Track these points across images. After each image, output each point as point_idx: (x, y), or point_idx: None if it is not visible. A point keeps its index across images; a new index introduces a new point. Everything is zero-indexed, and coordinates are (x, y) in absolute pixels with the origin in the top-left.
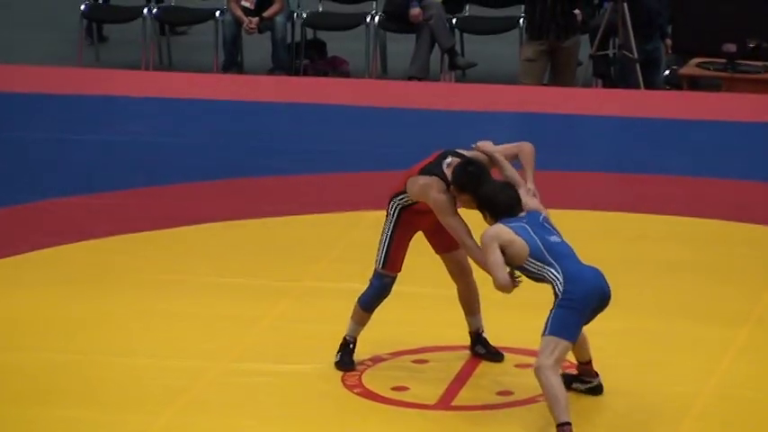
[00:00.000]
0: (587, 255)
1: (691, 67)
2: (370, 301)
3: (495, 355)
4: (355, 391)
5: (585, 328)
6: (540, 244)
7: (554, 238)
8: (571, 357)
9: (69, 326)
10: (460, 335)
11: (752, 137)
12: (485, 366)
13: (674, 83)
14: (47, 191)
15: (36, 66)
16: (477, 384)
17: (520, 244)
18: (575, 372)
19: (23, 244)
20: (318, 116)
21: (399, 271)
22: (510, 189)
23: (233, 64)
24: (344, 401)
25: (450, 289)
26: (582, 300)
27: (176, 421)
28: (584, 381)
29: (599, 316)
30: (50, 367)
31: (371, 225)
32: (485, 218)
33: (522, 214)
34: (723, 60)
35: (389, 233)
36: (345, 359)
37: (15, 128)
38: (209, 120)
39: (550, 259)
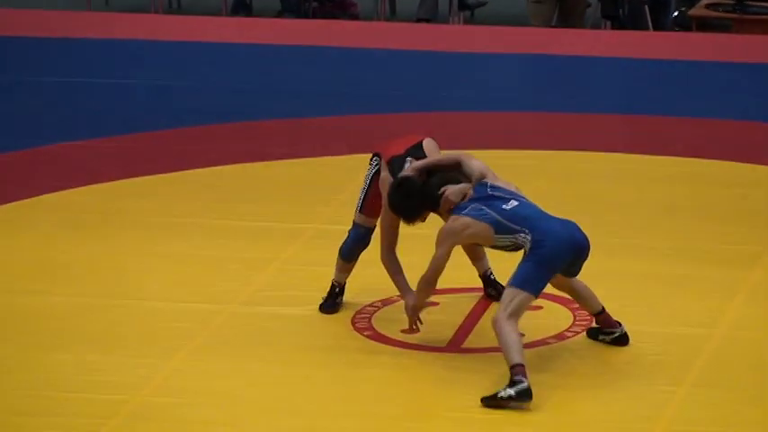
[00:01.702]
0: (598, 197)
1: (700, 9)
2: (349, 251)
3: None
4: (365, 333)
5: (601, 278)
6: (499, 218)
7: (511, 204)
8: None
9: (79, 269)
10: (471, 277)
11: (761, 78)
12: (495, 308)
13: (683, 24)
14: (55, 135)
15: (45, 10)
16: (488, 326)
17: (482, 228)
18: (594, 325)
19: (32, 188)
20: (327, 59)
21: (377, 218)
22: (440, 180)
23: (242, 7)
24: (354, 344)
25: None
26: (551, 255)
27: (187, 364)
28: (606, 332)
29: (610, 259)
30: (60, 311)
31: None
32: (442, 217)
33: (470, 192)
34: (732, 1)
35: (367, 189)
36: (328, 302)
37: (24, 72)
38: (218, 63)
39: (516, 227)
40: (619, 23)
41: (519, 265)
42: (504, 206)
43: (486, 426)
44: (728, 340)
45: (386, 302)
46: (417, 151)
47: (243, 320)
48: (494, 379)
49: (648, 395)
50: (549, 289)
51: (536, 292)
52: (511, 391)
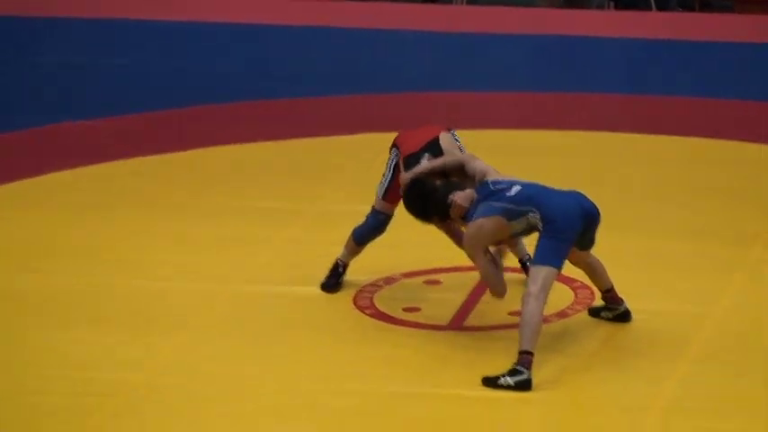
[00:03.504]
0: (599, 175)
1: None
2: (363, 236)
3: None
4: (367, 311)
5: (603, 255)
6: (506, 206)
7: (514, 189)
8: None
9: (79, 249)
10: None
11: (762, 58)
12: None
13: (687, 4)
14: (60, 114)
15: None
16: (489, 305)
17: (494, 221)
18: (596, 304)
19: (38, 167)
20: (329, 39)
21: (396, 206)
22: (446, 188)
23: None
24: (356, 322)
25: None
26: (563, 227)
27: (189, 343)
28: (610, 308)
29: (610, 237)
30: (63, 291)
31: (383, 148)
32: (457, 223)
33: (478, 196)
34: None
35: (391, 178)
36: (330, 281)
37: (30, 52)
38: (218, 43)
39: (524, 208)
40: (622, 4)
41: (538, 242)
42: (508, 194)
43: (486, 403)
44: (728, 318)
45: (388, 281)
46: (434, 148)
47: (244, 299)
48: (494, 357)
49: (648, 371)
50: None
51: (559, 264)
52: (510, 381)
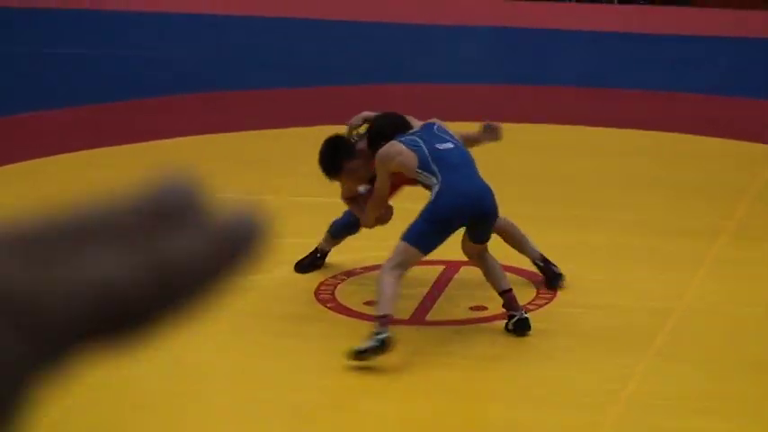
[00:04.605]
0: (561, 170)
1: None
2: (339, 231)
3: (552, 278)
4: (328, 305)
5: (565, 251)
6: (427, 153)
7: (446, 145)
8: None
9: None
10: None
11: (721, 51)
12: (458, 281)
13: None
14: (22, 104)
15: None
16: (451, 299)
17: (410, 157)
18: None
19: None
20: (293, 31)
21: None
22: (392, 115)
23: None
24: (317, 316)
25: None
26: (445, 215)
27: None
28: (509, 316)
29: (573, 232)
30: None
31: None
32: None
33: (417, 129)
34: None
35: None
36: (304, 262)
37: None
38: (184, 33)
39: (435, 169)
40: None
41: (415, 219)
42: (437, 145)
43: (447, 398)
44: (691, 313)
45: (350, 274)
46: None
47: None
48: (455, 350)
49: (611, 368)
50: (512, 261)
51: (425, 248)
52: (372, 343)
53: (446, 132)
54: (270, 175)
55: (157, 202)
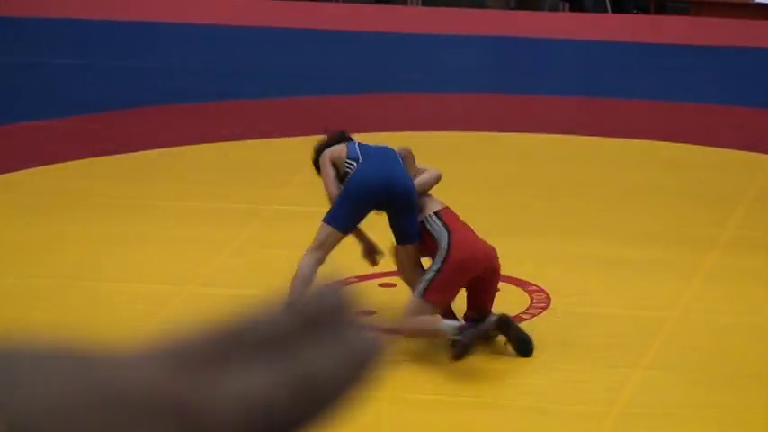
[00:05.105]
0: (555, 179)
1: None
2: None
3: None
4: None
5: (560, 260)
6: (357, 147)
7: (377, 146)
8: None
9: (32, 250)
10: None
11: (718, 61)
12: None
13: (642, 6)
14: (14, 114)
15: None
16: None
17: (340, 148)
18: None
19: None
20: (283, 40)
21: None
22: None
23: None
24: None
25: None
26: (355, 195)
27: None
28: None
29: (567, 242)
30: (14, 292)
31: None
32: None
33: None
34: None
35: None
36: None
37: None
38: (173, 44)
39: (360, 158)
40: (578, 5)
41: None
42: (370, 145)
43: (442, 408)
44: (685, 323)
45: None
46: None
47: (201, 301)
48: (447, 358)
49: (605, 377)
50: (505, 270)
51: (341, 227)
52: None
53: (393, 152)
54: (264, 184)
55: (309, 315)
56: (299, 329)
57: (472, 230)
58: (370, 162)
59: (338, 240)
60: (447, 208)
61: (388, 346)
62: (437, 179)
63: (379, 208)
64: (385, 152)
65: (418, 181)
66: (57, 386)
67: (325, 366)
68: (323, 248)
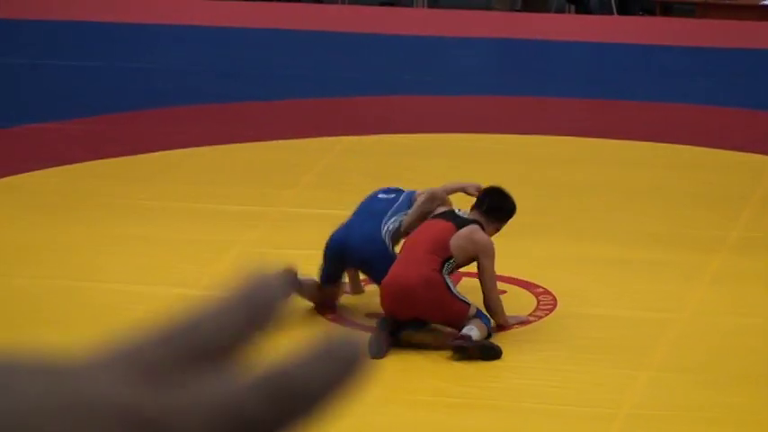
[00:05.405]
0: (561, 181)
1: None
2: None
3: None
4: (328, 316)
5: (566, 262)
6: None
7: (372, 197)
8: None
9: (40, 251)
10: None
11: (723, 63)
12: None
13: (648, 8)
14: (21, 116)
15: None
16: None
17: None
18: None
19: None
20: (291, 42)
21: None
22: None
23: None
24: (317, 327)
25: None
26: (325, 251)
27: None
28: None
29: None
30: (21, 293)
31: (345, 150)
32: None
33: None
34: None
35: None
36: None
37: None
38: (183, 45)
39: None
40: (583, 7)
41: None
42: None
43: (449, 410)
44: (691, 324)
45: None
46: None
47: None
48: (454, 360)
49: (612, 379)
50: (512, 272)
51: (321, 280)
52: None
53: (376, 203)
54: (272, 186)
55: (246, 305)
56: (244, 325)
57: (406, 259)
58: (347, 220)
59: (316, 288)
60: (411, 237)
61: (366, 355)
62: (422, 205)
63: (346, 264)
64: (366, 206)
65: (405, 220)
66: (13, 402)
67: (302, 368)
68: (302, 292)
